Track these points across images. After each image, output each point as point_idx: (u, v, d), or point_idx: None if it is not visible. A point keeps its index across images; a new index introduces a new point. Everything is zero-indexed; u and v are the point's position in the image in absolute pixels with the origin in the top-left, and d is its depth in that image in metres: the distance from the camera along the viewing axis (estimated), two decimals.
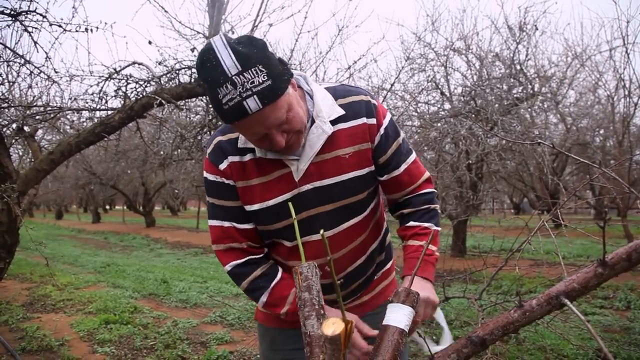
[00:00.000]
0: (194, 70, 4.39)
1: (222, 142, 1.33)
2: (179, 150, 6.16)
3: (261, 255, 1.39)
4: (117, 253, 12.55)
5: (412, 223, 1.41)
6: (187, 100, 4.97)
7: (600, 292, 6.07)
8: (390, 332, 1.13)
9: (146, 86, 4.39)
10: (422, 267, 1.32)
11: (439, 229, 1.42)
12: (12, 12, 3.40)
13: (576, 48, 8.75)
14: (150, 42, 4.42)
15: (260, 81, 1.09)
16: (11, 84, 4.28)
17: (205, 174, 1.36)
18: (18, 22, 3.47)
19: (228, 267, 1.37)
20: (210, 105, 1.18)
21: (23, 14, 3.43)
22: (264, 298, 1.34)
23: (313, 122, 1.28)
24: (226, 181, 1.32)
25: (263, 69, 1.10)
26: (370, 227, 1.43)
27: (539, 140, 1.17)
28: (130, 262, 10.05)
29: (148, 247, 13.81)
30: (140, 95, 4.23)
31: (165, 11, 4.31)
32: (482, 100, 6.18)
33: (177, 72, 4.43)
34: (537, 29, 6.80)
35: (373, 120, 1.32)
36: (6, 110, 4.48)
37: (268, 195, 1.30)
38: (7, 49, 3.73)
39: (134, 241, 15.45)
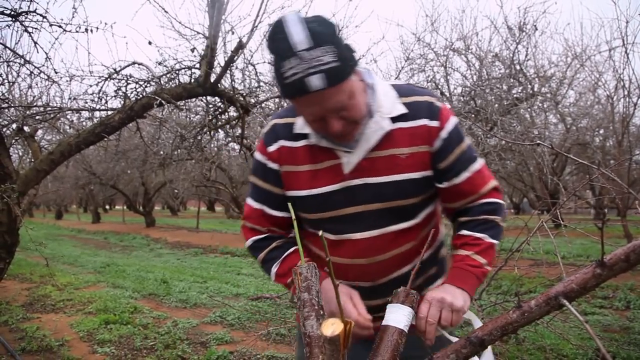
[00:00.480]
0: (194, 70, 4.40)
1: (277, 125, 1.34)
2: (179, 150, 6.17)
3: (281, 235, 1.40)
4: (117, 253, 12.55)
5: (464, 232, 1.32)
6: (187, 100, 4.97)
7: (599, 292, 6.07)
8: (389, 333, 1.14)
9: (146, 86, 4.40)
10: (459, 277, 1.26)
11: (494, 242, 1.30)
12: (12, 13, 3.40)
13: (576, 48, 8.74)
14: (150, 43, 4.42)
15: (327, 60, 1.07)
16: (11, 84, 4.29)
17: (255, 154, 1.38)
18: (18, 23, 3.48)
19: (249, 242, 1.40)
20: (275, 79, 1.21)
21: (23, 14, 3.44)
22: (274, 269, 1.35)
23: (371, 116, 1.24)
24: (270, 164, 1.33)
25: (332, 50, 1.08)
26: (421, 235, 1.35)
27: (538, 141, 1.17)
28: (130, 262, 10.06)
29: (148, 247, 13.82)
30: (140, 96, 4.24)
31: (165, 11, 4.31)
32: (481, 101, 6.18)
33: (177, 72, 4.44)
34: (536, 29, 6.80)
35: (435, 123, 1.26)
36: (6, 110, 4.49)
37: (315, 184, 1.29)
38: (7, 49, 3.74)
39: (133, 241, 15.46)
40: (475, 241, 1.29)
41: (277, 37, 1.09)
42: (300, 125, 1.30)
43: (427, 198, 1.33)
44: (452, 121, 1.29)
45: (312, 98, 1.11)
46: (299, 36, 1.07)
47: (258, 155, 1.36)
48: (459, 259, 1.29)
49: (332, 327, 0.91)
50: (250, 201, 1.40)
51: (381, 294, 1.34)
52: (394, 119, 1.25)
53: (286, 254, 1.35)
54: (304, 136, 1.29)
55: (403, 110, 1.26)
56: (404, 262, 1.34)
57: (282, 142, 1.32)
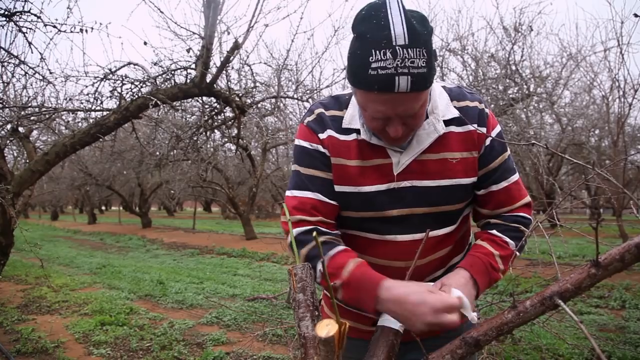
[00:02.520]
0: (189, 70, 4.38)
1: (323, 115, 1.27)
2: (175, 150, 6.16)
3: (329, 229, 1.27)
4: (113, 254, 12.51)
5: (494, 232, 1.27)
6: (182, 100, 4.96)
7: (595, 292, 6.09)
8: (385, 333, 1.13)
9: (141, 87, 4.38)
10: (480, 270, 1.21)
11: (517, 253, 1.25)
12: (6, 12, 3.39)
13: (571, 49, 8.80)
14: (145, 43, 4.40)
15: (419, 65, 1.00)
16: (6, 84, 4.27)
17: (300, 142, 1.28)
18: (12, 23, 3.47)
19: (294, 233, 1.26)
20: (353, 63, 1.06)
21: (17, 14, 3.42)
22: (319, 266, 1.22)
23: (426, 117, 1.20)
24: (322, 149, 1.25)
25: (425, 55, 1.01)
26: (456, 240, 1.33)
27: (533, 141, 1.17)
28: (126, 263, 10.02)
29: (144, 248, 13.78)
30: (136, 96, 4.23)
31: (161, 12, 4.29)
32: None
33: (172, 72, 4.43)
34: (532, 29, 6.83)
35: (483, 129, 1.24)
36: (1, 110, 4.46)
37: (362, 181, 1.23)
38: (1, 50, 3.72)
39: (130, 242, 15.41)
40: (503, 244, 1.25)
41: (374, 21, 1.01)
42: (348, 119, 1.25)
43: (469, 203, 1.32)
44: (497, 129, 1.27)
45: (389, 98, 1.04)
46: (399, 28, 0.99)
47: (305, 143, 1.27)
48: (483, 252, 1.24)
49: (326, 328, 0.90)
50: (297, 192, 1.27)
51: None
52: (447, 122, 1.22)
53: (332, 253, 1.21)
54: (353, 131, 1.24)
55: (456, 114, 1.22)
56: (439, 267, 1.31)
57: (331, 133, 1.25)
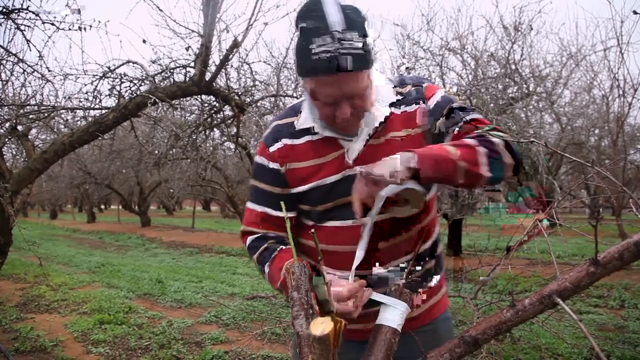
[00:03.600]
0: (188, 69, 4.37)
1: (279, 126, 1.36)
2: (174, 149, 6.14)
3: (276, 234, 1.38)
4: (112, 253, 12.50)
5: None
6: (181, 99, 4.95)
7: (594, 291, 6.09)
8: (383, 332, 1.13)
9: (140, 85, 4.37)
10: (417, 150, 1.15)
11: (479, 148, 1.17)
12: (5, 10, 3.37)
13: (571, 48, 8.77)
14: (144, 41, 4.38)
15: (358, 46, 1.11)
16: (4, 82, 4.25)
17: (256, 157, 1.40)
18: (10, 20, 3.45)
19: (247, 242, 1.41)
20: (298, 56, 1.16)
21: (15, 11, 3.41)
22: (266, 269, 1.34)
23: (372, 105, 1.28)
24: (271, 165, 1.34)
25: (362, 37, 1.12)
26: (422, 227, 1.35)
27: (532, 139, 1.16)
28: (125, 262, 10.02)
29: (143, 247, 13.77)
30: (135, 94, 4.21)
31: (160, 10, 4.27)
32: (477, 100, 6.19)
33: (171, 70, 4.41)
34: (532, 28, 6.81)
35: (422, 102, 1.31)
36: None
37: (318, 176, 1.30)
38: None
39: (129, 241, 15.40)
40: (455, 142, 1.20)
41: (312, 14, 1.11)
42: (302, 121, 1.32)
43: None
44: (438, 93, 1.32)
45: (334, 79, 1.13)
46: (335, 17, 1.10)
47: (258, 159, 1.38)
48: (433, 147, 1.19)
49: (321, 327, 0.89)
50: (251, 205, 1.40)
51: (377, 287, 1.30)
52: (391, 106, 1.30)
53: (273, 255, 1.32)
54: (306, 132, 1.31)
55: (398, 97, 1.31)
56: (399, 254, 1.32)
57: (285, 141, 1.33)
